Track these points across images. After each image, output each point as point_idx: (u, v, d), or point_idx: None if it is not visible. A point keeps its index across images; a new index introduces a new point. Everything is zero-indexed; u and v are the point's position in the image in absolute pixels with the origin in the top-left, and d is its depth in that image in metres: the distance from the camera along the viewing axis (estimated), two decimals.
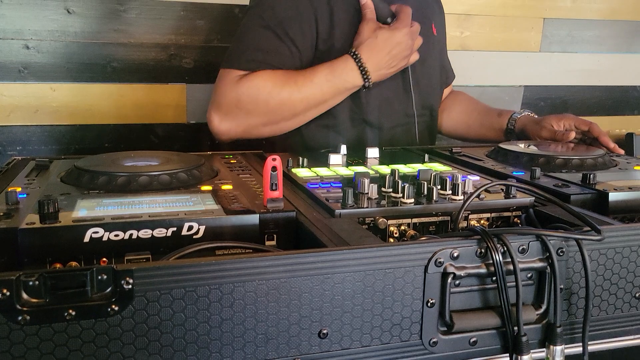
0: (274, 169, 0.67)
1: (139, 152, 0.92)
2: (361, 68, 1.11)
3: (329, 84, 1.11)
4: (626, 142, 2.11)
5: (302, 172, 0.89)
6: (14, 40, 1.55)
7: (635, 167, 0.95)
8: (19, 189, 0.72)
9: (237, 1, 1.69)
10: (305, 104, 1.12)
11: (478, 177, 0.88)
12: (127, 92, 1.68)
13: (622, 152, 1.12)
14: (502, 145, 1.06)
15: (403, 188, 0.73)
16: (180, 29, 1.68)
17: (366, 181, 0.76)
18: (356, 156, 1.03)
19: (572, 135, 1.15)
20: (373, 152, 1.03)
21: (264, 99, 1.10)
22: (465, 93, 1.55)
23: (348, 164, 0.98)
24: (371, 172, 0.89)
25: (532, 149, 1.04)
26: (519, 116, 1.29)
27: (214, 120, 1.13)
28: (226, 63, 1.15)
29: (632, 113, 2.23)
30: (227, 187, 0.77)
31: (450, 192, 0.76)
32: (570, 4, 2.03)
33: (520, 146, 1.08)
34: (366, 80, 1.12)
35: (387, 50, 1.12)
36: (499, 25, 1.98)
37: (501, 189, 0.78)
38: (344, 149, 1.03)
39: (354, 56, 1.11)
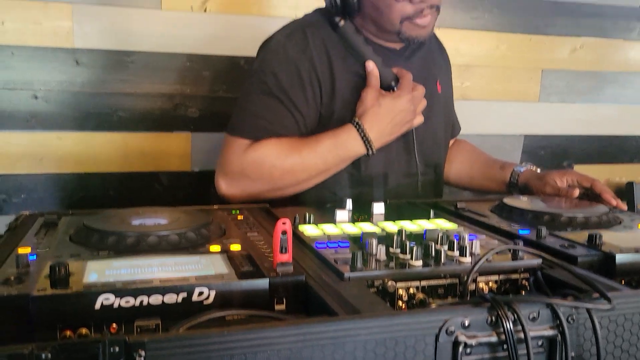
0: (284, 232, 0.68)
1: (147, 209, 0.93)
2: (364, 137, 1.13)
3: (332, 154, 1.13)
4: (626, 190, 2.13)
5: (309, 230, 0.89)
6: (23, 90, 1.58)
7: None
8: (28, 250, 0.72)
9: (242, 53, 1.73)
10: (308, 173, 1.14)
11: (484, 236, 0.88)
12: (132, 141, 1.70)
13: (625, 207, 1.13)
14: (506, 201, 1.06)
15: (411, 249, 0.74)
16: (186, 79, 1.71)
17: (374, 242, 0.77)
18: (362, 210, 1.03)
19: (577, 192, 1.16)
20: (379, 208, 1.03)
21: (269, 169, 1.13)
22: (468, 142, 1.57)
23: (354, 220, 0.98)
24: (378, 230, 0.90)
25: (536, 205, 1.05)
26: (521, 170, 1.30)
27: (221, 186, 1.16)
28: (231, 130, 1.17)
29: (631, 161, 2.25)
30: (235, 247, 0.77)
31: (457, 253, 0.77)
32: (567, 56, 2.08)
33: (524, 201, 1.08)
34: (369, 148, 1.14)
35: (389, 118, 1.14)
36: (499, 76, 2.02)
37: (509, 249, 0.78)
38: (349, 203, 1.04)
39: (357, 126, 1.13)
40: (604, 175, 2.20)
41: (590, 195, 1.20)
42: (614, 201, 1.14)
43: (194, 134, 1.75)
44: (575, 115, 2.14)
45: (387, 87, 1.19)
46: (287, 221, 0.68)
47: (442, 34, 1.89)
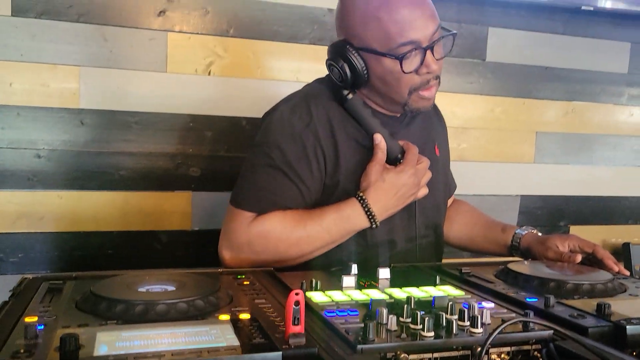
0: (297, 303, 0.68)
1: (153, 273, 0.92)
2: (368, 212, 1.14)
3: (337, 228, 1.14)
4: (623, 251, 2.14)
5: (317, 297, 0.89)
6: (27, 149, 1.59)
7: None
8: (35, 319, 0.71)
9: (244, 114, 1.76)
10: (314, 246, 1.15)
11: (493, 304, 0.88)
12: (133, 200, 1.70)
13: (627, 273, 1.13)
14: (510, 267, 1.07)
15: (423, 320, 0.73)
16: (188, 139, 1.73)
17: (384, 311, 0.77)
18: (367, 275, 1.03)
19: (579, 258, 1.17)
20: (384, 273, 1.03)
21: (274, 242, 1.13)
22: (467, 203, 1.58)
23: (359, 285, 0.98)
24: (386, 297, 0.89)
25: (540, 271, 1.05)
26: (523, 234, 1.31)
27: (225, 256, 1.17)
28: (236, 203, 1.18)
29: (626, 222, 2.27)
30: (244, 316, 0.77)
31: (469, 323, 0.76)
32: (559, 119, 2.13)
33: (528, 266, 1.09)
34: (373, 222, 1.15)
35: (393, 192, 1.15)
36: (494, 138, 2.07)
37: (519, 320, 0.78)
38: (354, 268, 1.04)
39: (361, 200, 1.14)
40: (600, 236, 2.21)
41: (592, 260, 1.21)
42: (616, 267, 1.14)
43: (195, 193, 1.75)
44: (570, 176, 2.18)
45: (393, 159, 1.20)
46: (300, 292, 0.68)
47: (439, 98, 1.93)
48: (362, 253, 1.20)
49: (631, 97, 2.21)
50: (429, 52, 1.11)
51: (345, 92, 1.18)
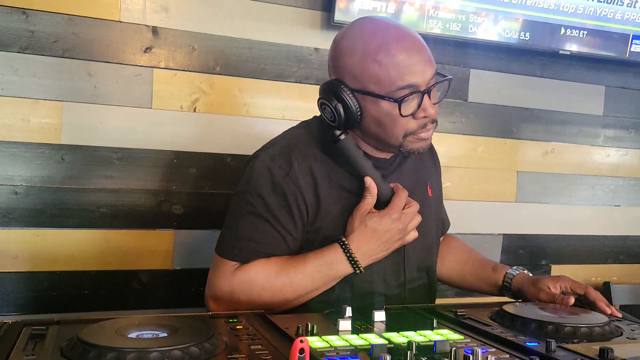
0: (302, 351, 0.65)
1: (143, 318, 0.88)
2: (350, 257, 1.11)
3: (320, 275, 1.12)
4: (603, 290, 2.15)
5: (315, 342, 0.86)
6: (3, 186, 1.54)
7: None
8: None
9: (228, 151, 1.74)
10: (298, 294, 1.12)
11: (494, 349, 0.86)
12: (113, 238, 1.66)
13: (619, 315, 1.13)
14: (505, 309, 1.06)
15: None
16: (172, 176, 1.70)
17: (388, 358, 0.74)
18: (360, 318, 1.01)
19: (572, 300, 1.16)
20: (379, 316, 1.01)
21: (258, 291, 1.11)
22: (458, 239, 1.56)
23: (355, 329, 0.96)
24: (385, 342, 0.87)
25: (537, 314, 1.05)
26: (514, 274, 1.31)
27: (211, 306, 1.15)
28: (220, 251, 1.16)
29: (605, 262, 2.30)
30: None
31: None
32: (540, 159, 2.17)
33: (523, 308, 1.08)
34: (356, 268, 1.13)
35: (376, 237, 1.12)
36: (477, 176, 2.09)
37: None
38: (349, 311, 1.01)
39: (343, 246, 1.12)
40: (581, 275, 2.23)
41: (584, 301, 1.21)
42: (609, 310, 1.14)
43: (177, 231, 1.71)
44: (551, 215, 2.20)
45: (385, 202, 1.17)
46: (305, 340, 0.65)
47: None
48: (351, 298, 1.17)
49: (607, 138, 2.26)
50: (426, 96, 1.11)
51: (338, 132, 1.14)
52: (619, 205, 2.31)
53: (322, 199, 1.16)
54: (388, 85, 1.09)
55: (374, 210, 1.15)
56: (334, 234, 1.16)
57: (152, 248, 1.70)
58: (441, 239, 1.47)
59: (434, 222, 1.35)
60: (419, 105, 1.12)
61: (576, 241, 2.25)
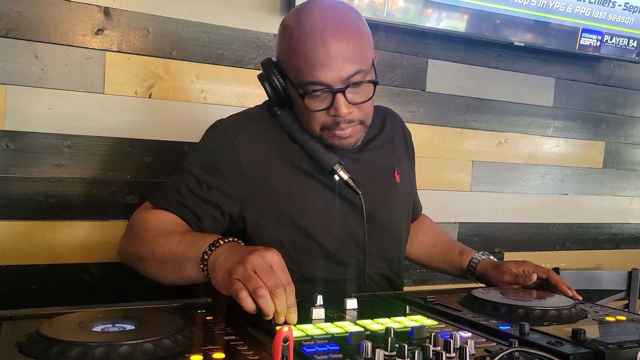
0: (286, 339, 0.62)
1: (107, 311, 0.83)
2: (205, 252, 0.95)
3: (179, 247, 1.02)
4: None
5: None
6: None
7: (607, 318, 0.98)
8: None
9: (186, 139, 1.69)
10: (158, 269, 1.06)
11: (470, 334, 0.86)
12: (62, 230, 1.57)
13: (580, 297, 1.16)
14: (475, 294, 1.06)
15: (412, 353, 0.70)
16: (126, 165, 1.63)
17: (369, 345, 0.73)
18: (332, 307, 0.99)
19: (534, 277, 1.18)
20: (352, 304, 1.00)
21: (141, 234, 1.09)
22: (429, 219, 1.57)
23: (328, 317, 0.94)
24: (360, 329, 0.86)
25: (507, 298, 1.05)
26: (480, 259, 1.32)
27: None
28: (150, 196, 1.19)
29: (554, 248, 2.37)
30: (219, 355, 0.70)
31: (454, 354, 0.74)
32: (494, 149, 2.21)
33: (491, 293, 1.09)
34: (201, 264, 0.96)
35: (236, 255, 0.91)
36: (434, 166, 2.11)
37: (500, 348, 0.77)
38: (320, 299, 0.99)
39: (213, 244, 0.96)
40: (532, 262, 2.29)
41: (546, 285, 1.23)
42: (570, 292, 1.17)
43: None
44: (503, 204, 2.25)
45: (331, 171, 1.15)
46: (289, 327, 0.63)
47: None
48: (315, 286, 1.15)
49: (556, 129, 2.33)
50: (339, 96, 1.07)
51: (276, 108, 1.19)
52: (566, 194, 2.39)
53: (267, 171, 1.14)
54: (300, 77, 1.08)
55: (257, 248, 0.92)
56: (286, 210, 1.14)
57: (105, 240, 1.62)
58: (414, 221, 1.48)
59: (405, 208, 1.33)
60: (331, 104, 1.08)
61: (526, 229, 2.31)
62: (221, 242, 0.96)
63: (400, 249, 1.32)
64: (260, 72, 1.19)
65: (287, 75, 1.12)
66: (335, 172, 1.14)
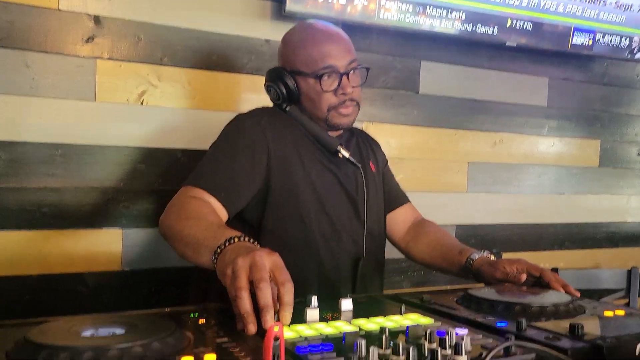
0: (277, 338, 0.61)
1: (97, 317, 0.82)
2: (219, 248, 0.99)
3: (202, 234, 1.07)
4: None
5: (284, 333, 0.82)
6: None
7: (606, 313, 0.97)
8: None
9: (179, 146, 1.68)
10: (182, 249, 1.11)
11: (466, 330, 0.85)
12: (55, 239, 1.56)
13: (577, 294, 1.15)
14: (471, 292, 1.05)
15: (406, 350, 0.69)
16: (119, 173, 1.62)
17: (363, 343, 0.71)
18: (327, 308, 0.97)
19: (524, 277, 1.19)
20: (347, 304, 0.98)
21: (179, 213, 1.16)
22: (434, 224, 1.60)
23: (322, 317, 0.93)
24: (355, 328, 0.84)
25: (503, 295, 1.05)
26: (476, 257, 1.33)
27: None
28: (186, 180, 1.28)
29: (552, 248, 2.36)
30: (210, 357, 0.69)
31: (450, 351, 0.73)
32: (489, 150, 2.21)
33: (488, 291, 1.08)
34: (213, 257, 0.99)
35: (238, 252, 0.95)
36: (429, 168, 2.10)
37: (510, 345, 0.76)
38: (315, 300, 0.98)
39: (230, 239, 0.99)
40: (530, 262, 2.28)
41: (541, 284, 1.22)
42: (562, 290, 1.16)
43: (126, 230, 1.63)
44: (500, 205, 2.25)
45: (334, 152, 1.38)
46: (280, 325, 0.62)
47: (374, 128, 1.97)
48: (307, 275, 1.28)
49: (551, 128, 2.33)
50: (344, 78, 1.34)
51: (284, 105, 1.40)
52: (563, 194, 2.38)
53: (286, 151, 1.33)
54: (313, 65, 1.34)
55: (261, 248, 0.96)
56: (292, 180, 1.31)
57: (99, 249, 1.61)
58: (417, 221, 1.59)
59: (382, 195, 1.52)
60: (339, 84, 1.34)
61: (523, 229, 2.30)
62: (236, 239, 0.99)
63: (382, 225, 1.51)
64: (266, 82, 1.40)
65: (298, 70, 1.36)
66: (338, 151, 1.39)
